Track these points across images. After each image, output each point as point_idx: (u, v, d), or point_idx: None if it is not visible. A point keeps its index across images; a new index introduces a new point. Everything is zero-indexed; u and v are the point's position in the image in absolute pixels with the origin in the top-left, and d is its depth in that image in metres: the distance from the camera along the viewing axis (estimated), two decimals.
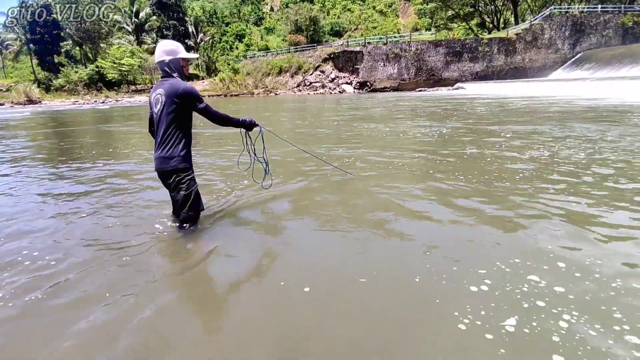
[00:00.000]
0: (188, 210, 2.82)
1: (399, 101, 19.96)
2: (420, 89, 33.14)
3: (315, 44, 42.96)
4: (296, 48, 42.94)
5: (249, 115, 3.05)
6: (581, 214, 3.04)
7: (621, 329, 1.65)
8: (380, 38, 39.06)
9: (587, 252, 2.39)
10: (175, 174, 2.73)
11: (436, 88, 32.63)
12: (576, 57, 31.03)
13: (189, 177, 2.77)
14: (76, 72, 45.01)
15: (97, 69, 44.40)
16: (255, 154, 3.23)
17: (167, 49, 2.69)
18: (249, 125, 2.98)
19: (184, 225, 2.90)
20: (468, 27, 42.90)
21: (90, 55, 49.31)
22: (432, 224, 3.00)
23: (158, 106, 2.69)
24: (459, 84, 32.15)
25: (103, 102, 35.43)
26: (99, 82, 44.43)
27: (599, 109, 11.34)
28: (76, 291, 2.14)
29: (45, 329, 1.82)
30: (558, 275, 2.12)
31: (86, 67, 46.09)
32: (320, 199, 3.71)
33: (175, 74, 2.72)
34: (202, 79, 48.73)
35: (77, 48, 49.78)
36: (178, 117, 2.68)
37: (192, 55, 2.81)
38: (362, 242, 2.70)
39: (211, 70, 52.10)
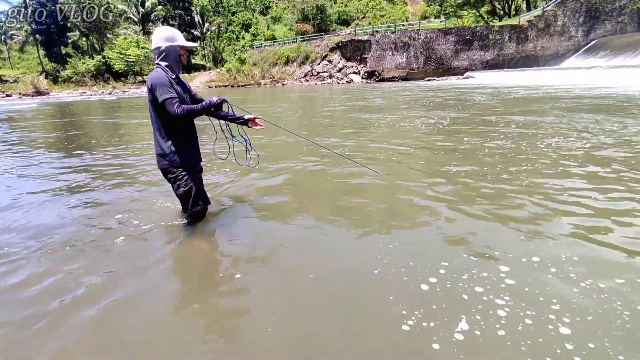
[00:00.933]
0: (191, 207, 2.73)
1: (406, 91, 19.66)
2: (429, 78, 32.62)
3: (323, 33, 42.36)
4: (303, 37, 42.39)
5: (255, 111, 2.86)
6: (562, 204, 3.03)
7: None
8: (389, 26, 38.37)
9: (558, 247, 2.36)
10: (170, 172, 2.60)
11: (445, 77, 32.08)
12: (590, 44, 30.21)
13: (185, 174, 2.62)
14: (83, 63, 45.08)
15: (103, 60, 44.39)
16: (231, 134, 2.90)
17: (166, 35, 2.51)
18: (216, 106, 2.58)
19: (189, 221, 2.84)
20: (478, 14, 41.88)
21: (97, 46, 49.25)
22: (415, 215, 2.97)
23: None
24: (468, 73, 31.57)
25: (110, 94, 35.51)
26: (105, 73, 44.46)
27: (611, 98, 10.99)
28: (74, 284, 2.10)
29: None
30: (518, 271, 2.08)
31: (93, 58, 46.11)
32: (313, 189, 3.78)
33: (164, 63, 2.52)
34: (209, 69, 48.48)
35: (84, 39, 49.71)
36: (158, 110, 2.51)
37: (191, 44, 2.61)
38: (335, 234, 2.72)
39: (217, 61, 51.81)
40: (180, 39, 2.55)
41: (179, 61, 2.57)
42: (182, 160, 2.58)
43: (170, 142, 2.55)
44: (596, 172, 3.88)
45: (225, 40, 56.09)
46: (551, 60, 31.18)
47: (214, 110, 2.62)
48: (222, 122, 2.83)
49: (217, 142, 2.90)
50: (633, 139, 5.32)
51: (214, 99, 2.56)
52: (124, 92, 37.26)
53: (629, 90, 12.97)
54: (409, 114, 9.57)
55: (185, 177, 2.61)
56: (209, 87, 39.67)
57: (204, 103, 2.54)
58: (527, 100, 11.68)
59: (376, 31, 36.48)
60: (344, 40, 37.26)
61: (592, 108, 8.89)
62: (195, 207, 2.73)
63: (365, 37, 35.81)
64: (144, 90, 37.23)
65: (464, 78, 30.40)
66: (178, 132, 2.59)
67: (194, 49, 2.95)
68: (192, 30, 50.14)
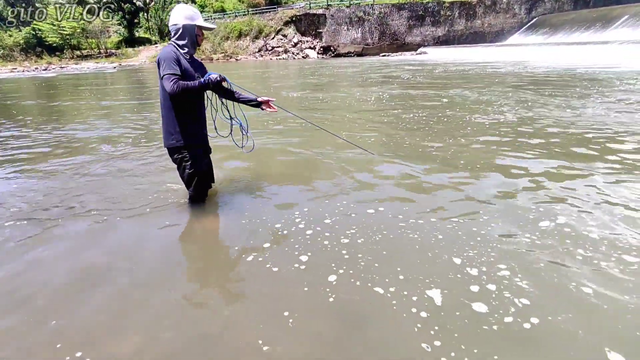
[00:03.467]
0: (194, 189, 2.77)
1: (362, 67, 19.83)
2: (384, 53, 33.00)
3: (276, 6, 41.04)
4: (255, 10, 40.85)
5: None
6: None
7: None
8: (342, 0, 37.98)
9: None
10: (177, 151, 2.60)
11: (400, 53, 32.61)
12: (532, 22, 31.94)
13: (193, 154, 2.62)
14: (10, 35, 40.61)
15: (34, 32, 40.22)
16: (230, 115, 2.84)
17: (187, 13, 2.48)
18: (215, 85, 2.45)
19: (191, 201, 2.87)
20: None
21: (25, 16, 44.40)
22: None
23: None
24: (421, 49, 32.32)
25: (46, 70, 32.49)
26: (37, 47, 40.43)
27: (552, 74, 11.91)
28: (75, 266, 2.12)
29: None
30: (380, 223, 2.56)
31: (21, 30, 41.63)
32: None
33: (180, 42, 2.48)
34: (155, 43, 45.64)
35: (9, 8, 44.60)
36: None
37: (209, 25, 2.59)
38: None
39: (165, 34, 48.73)
40: (199, 19, 2.53)
41: (195, 41, 2.54)
42: (188, 141, 2.56)
43: (179, 121, 2.51)
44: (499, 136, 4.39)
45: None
46: (497, 37, 32.67)
47: (215, 89, 2.53)
48: (224, 101, 2.80)
49: (217, 121, 2.89)
50: (554, 111, 5.95)
51: (213, 75, 2.43)
52: (61, 67, 34.19)
53: (569, 67, 14.08)
54: (371, 90, 9.78)
55: (191, 159, 2.61)
56: None
57: (201, 80, 2.41)
58: (475, 76, 12.35)
59: (330, 5, 36.00)
60: (298, 14, 36.46)
61: (531, 83, 9.64)
62: (198, 189, 2.78)
63: (320, 11, 35.29)
64: (84, 66, 34.42)
65: (417, 54, 31.09)
66: (191, 111, 2.56)
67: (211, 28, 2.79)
68: (135, 1, 46.56)
